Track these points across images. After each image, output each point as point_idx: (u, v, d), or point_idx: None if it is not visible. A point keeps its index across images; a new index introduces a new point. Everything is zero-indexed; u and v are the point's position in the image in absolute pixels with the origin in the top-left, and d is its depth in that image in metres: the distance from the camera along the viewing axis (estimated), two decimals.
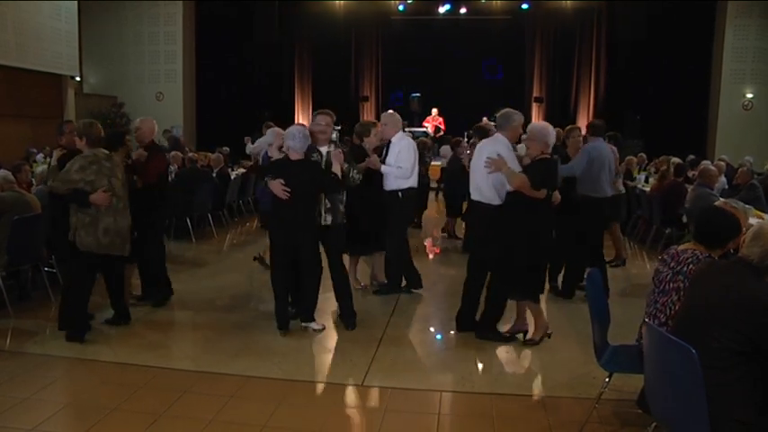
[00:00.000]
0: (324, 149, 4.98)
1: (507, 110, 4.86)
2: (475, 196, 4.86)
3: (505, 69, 17.99)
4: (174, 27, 16.69)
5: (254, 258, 7.06)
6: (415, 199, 6.12)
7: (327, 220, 4.97)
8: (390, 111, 6.20)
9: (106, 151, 4.71)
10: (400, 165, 5.65)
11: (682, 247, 3.07)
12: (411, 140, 6.02)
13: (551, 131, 4.63)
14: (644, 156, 11.90)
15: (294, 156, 4.76)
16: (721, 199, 3.77)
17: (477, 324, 4.91)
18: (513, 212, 4.56)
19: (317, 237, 4.89)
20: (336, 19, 18.42)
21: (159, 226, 5.74)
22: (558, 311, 5.61)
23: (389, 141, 5.81)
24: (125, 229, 4.73)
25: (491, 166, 4.45)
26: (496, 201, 4.70)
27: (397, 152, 5.68)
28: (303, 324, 4.95)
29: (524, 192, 4.42)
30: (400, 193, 5.71)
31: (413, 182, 5.80)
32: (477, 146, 5.06)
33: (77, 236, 4.54)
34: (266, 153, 6.62)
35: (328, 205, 4.96)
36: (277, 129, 6.81)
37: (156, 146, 5.57)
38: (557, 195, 4.94)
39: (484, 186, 4.72)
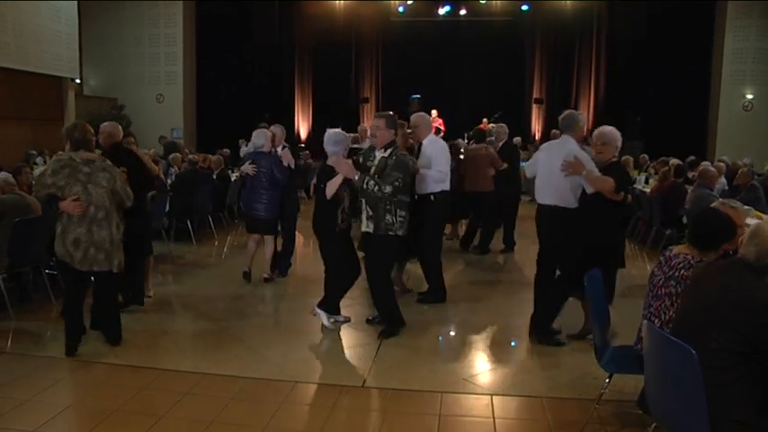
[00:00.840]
0: (378, 153, 4.90)
1: (570, 111, 4.89)
2: (548, 201, 4.76)
3: (505, 70, 18.01)
4: (174, 29, 16.71)
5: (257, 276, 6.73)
6: (449, 202, 5.94)
7: (369, 227, 4.84)
8: (421, 112, 6.11)
9: (91, 155, 4.40)
10: (439, 168, 5.54)
11: (675, 250, 3.07)
12: (443, 142, 5.96)
13: (620, 135, 4.62)
14: (646, 156, 11.90)
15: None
16: (720, 199, 3.75)
17: (536, 327, 4.85)
18: (600, 213, 4.46)
19: (331, 239, 4.95)
20: (336, 20, 18.43)
21: (134, 232, 4.94)
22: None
23: (420, 143, 5.70)
24: (105, 241, 4.34)
25: (568, 169, 4.41)
26: (574, 204, 4.63)
27: (429, 155, 5.56)
28: (316, 308, 5.06)
29: (605, 194, 4.36)
30: (433, 197, 5.60)
31: (446, 185, 5.68)
32: (542, 148, 5.02)
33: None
34: (249, 153, 6.39)
35: (371, 212, 4.81)
36: (265, 130, 6.51)
37: (115, 150, 5.09)
38: (629, 196, 4.97)
39: (564, 189, 4.62)
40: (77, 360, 4.35)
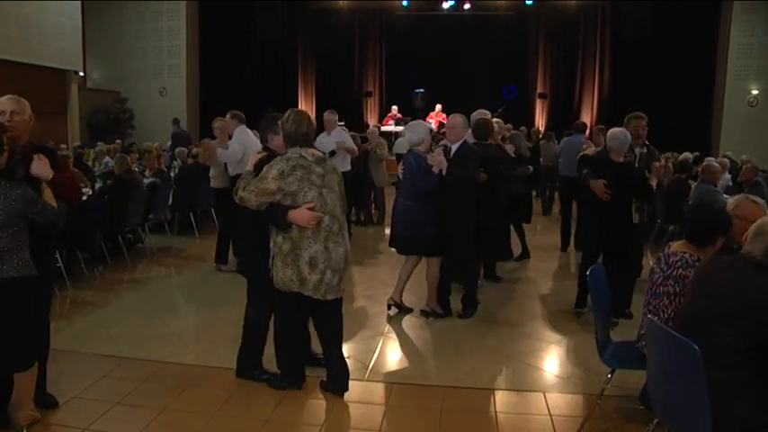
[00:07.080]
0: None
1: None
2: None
3: (509, 65, 17.97)
4: (177, 22, 16.70)
5: None
6: None
7: None
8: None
9: (318, 152, 3.64)
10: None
11: (673, 247, 3.07)
12: None
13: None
14: None
15: None
16: (744, 194, 3.68)
17: None
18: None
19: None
20: (340, 14, 18.42)
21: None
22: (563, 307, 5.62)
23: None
24: (342, 260, 3.63)
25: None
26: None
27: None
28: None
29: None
30: None
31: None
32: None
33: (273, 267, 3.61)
34: None
35: None
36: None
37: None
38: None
39: None
40: (80, 352, 4.36)
